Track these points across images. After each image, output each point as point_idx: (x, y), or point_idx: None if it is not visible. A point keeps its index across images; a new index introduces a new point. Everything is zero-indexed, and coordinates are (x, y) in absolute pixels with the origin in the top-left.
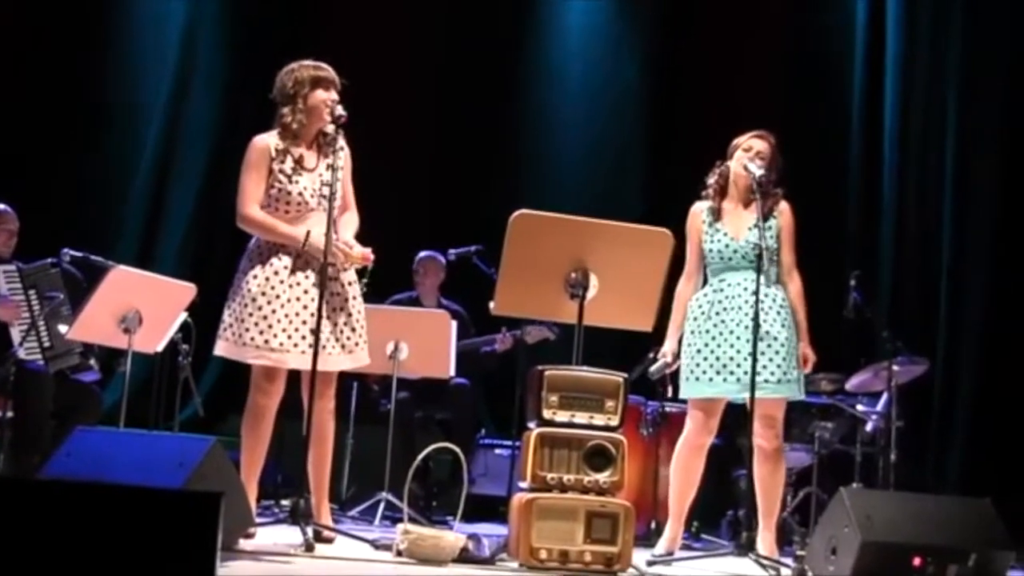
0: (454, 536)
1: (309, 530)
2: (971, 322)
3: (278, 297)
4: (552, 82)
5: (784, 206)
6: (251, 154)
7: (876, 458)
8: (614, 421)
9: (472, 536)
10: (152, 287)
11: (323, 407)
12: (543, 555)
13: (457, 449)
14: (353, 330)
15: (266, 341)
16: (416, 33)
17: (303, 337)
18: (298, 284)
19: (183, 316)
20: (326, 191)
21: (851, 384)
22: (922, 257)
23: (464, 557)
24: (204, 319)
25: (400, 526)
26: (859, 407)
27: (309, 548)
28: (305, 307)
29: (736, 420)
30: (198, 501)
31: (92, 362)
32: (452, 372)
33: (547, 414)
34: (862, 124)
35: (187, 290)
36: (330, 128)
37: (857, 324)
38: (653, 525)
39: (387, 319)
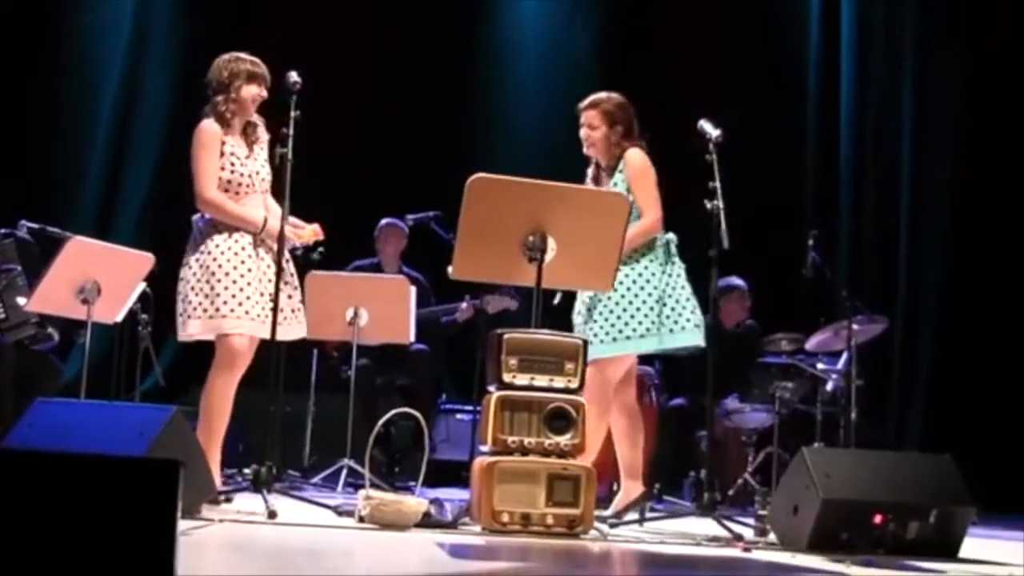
0: (416, 501)
1: (271, 498)
2: (930, 281)
3: (250, 271)
4: (507, 51)
5: (630, 155)
6: (204, 137)
7: (837, 417)
8: (574, 383)
9: (434, 501)
10: (110, 257)
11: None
12: (505, 518)
13: (418, 414)
14: (301, 302)
15: (246, 312)
16: (373, 3)
17: (263, 309)
18: (261, 259)
19: (142, 286)
20: (263, 175)
21: (811, 344)
22: (880, 216)
23: (426, 522)
24: (163, 289)
25: (362, 492)
26: (819, 366)
27: (272, 515)
28: (270, 280)
29: (697, 381)
30: (157, 469)
31: (50, 331)
32: (412, 338)
33: (507, 377)
34: (819, 83)
35: (145, 260)
36: (256, 118)
37: (816, 283)
38: (615, 487)
39: (346, 286)
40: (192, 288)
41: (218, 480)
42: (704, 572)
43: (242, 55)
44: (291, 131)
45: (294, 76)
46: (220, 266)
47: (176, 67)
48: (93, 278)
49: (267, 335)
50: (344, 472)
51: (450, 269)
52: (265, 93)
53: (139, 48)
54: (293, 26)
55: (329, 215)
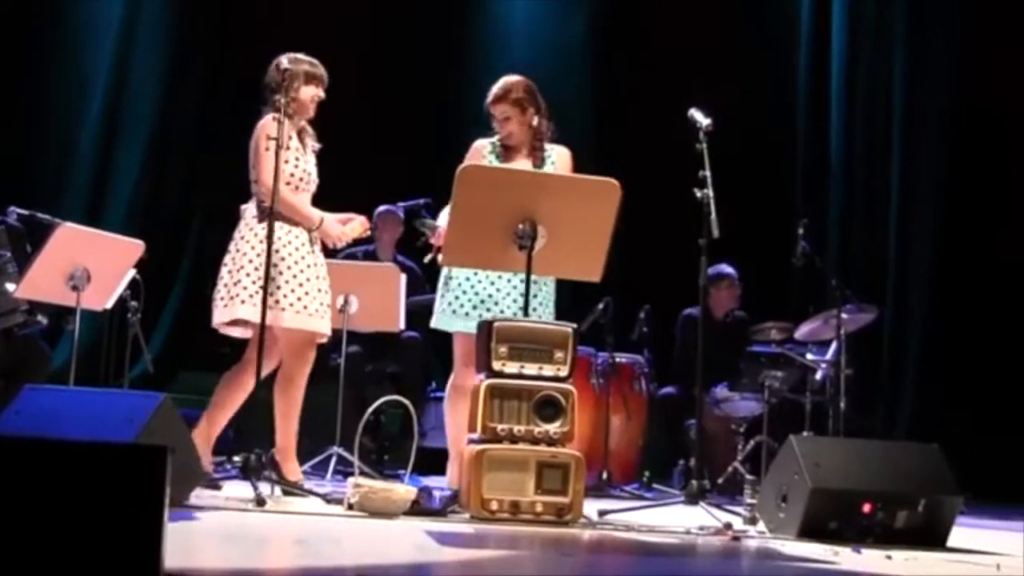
0: (405, 489)
1: (261, 485)
2: (919, 270)
3: (309, 267)
4: (498, 43)
5: (561, 153)
6: (271, 130)
7: (826, 406)
8: (563, 371)
9: (423, 488)
10: (100, 244)
11: (307, 369)
12: (494, 506)
13: (407, 402)
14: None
15: (305, 307)
16: None
17: (321, 304)
18: (317, 256)
19: (131, 273)
20: (315, 176)
21: (800, 333)
22: (870, 205)
23: (415, 509)
24: (152, 276)
25: (351, 480)
26: (808, 355)
27: (260, 503)
28: (321, 277)
29: (687, 370)
30: (145, 455)
31: (40, 317)
32: (402, 325)
33: (496, 365)
34: (809, 72)
35: (135, 247)
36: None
37: (806, 273)
38: (604, 475)
39: (337, 273)
40: (247, 274)
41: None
42: (693, 560)
43: (300, 56)
44: (282, 118)
45: (285, 63)
46: (283, 259)
47: (166, 54)
48: (83, 265)
49: (323, 329)
50: (333, 460)
51: (439, 257)
52: (323, 94)
53: (129, 35)
54: (283, 12)
55: (320, 206)
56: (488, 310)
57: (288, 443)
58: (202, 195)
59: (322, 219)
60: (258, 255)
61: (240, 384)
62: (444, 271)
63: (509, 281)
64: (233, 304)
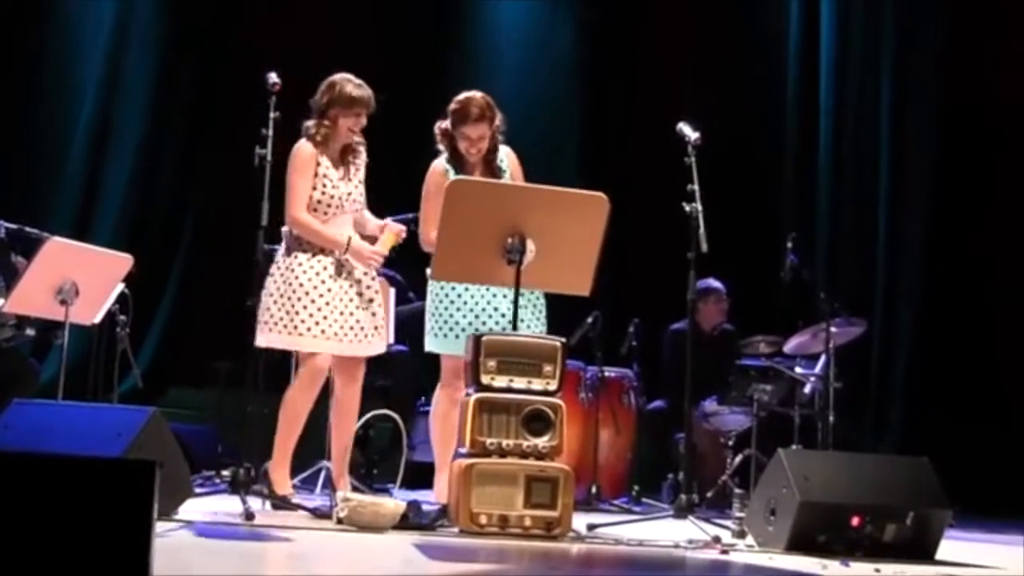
0: (394, 503)
1: (249, 499)
2: (908, 283)
3: (330, 291)
4: (488, 52)
5: (509, 152)
6: (297, 160)
7: (815, 420)
8: (552, 385)
9: (412, 503)
10: (88, 258)
11: (356, 388)
12: (483, 520)
13: (397, 416)
14: (380, 317)
15: (323, 331)
16: (353, 3)
17: (351, 328)
18: (344, 279)
19: (120, 287)
20: (355, 196)
21: (789, 346)
22: (859, 219)
23: (404, 524)
24: (141, 291)
25: (340, 494)
26: (797, 369)
27: (249, 517)
28: (357, 296)
29: (676, 384)
30: (133, 469)
31: (28, 331)
32: (392, 339)
33: (485, 379)
34: (798, 86)
35: (124, 261)
36: (358, 140)
37: (794, 286)
38: (593, 489)
39: None
40: (275, 301)
41: (288, 488)
42: (682, 574)
43: (349, 79)
44: (270, 132)
45: (273, 77)
46: (301, 284)
47: (157, 65)
48: (71, 279)
49: (348, 352)
50: (323, 474)
51: (428, 272)
52: (363, 121)
53: (119, 46)
54: (273, 23)
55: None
56: (482, 325)
57: (337, 465)
58: (191, 209)
59: (348, 241)
60: (277, 286)
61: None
62: (432, 289)
63: (506, 296)
64: (260, 332)
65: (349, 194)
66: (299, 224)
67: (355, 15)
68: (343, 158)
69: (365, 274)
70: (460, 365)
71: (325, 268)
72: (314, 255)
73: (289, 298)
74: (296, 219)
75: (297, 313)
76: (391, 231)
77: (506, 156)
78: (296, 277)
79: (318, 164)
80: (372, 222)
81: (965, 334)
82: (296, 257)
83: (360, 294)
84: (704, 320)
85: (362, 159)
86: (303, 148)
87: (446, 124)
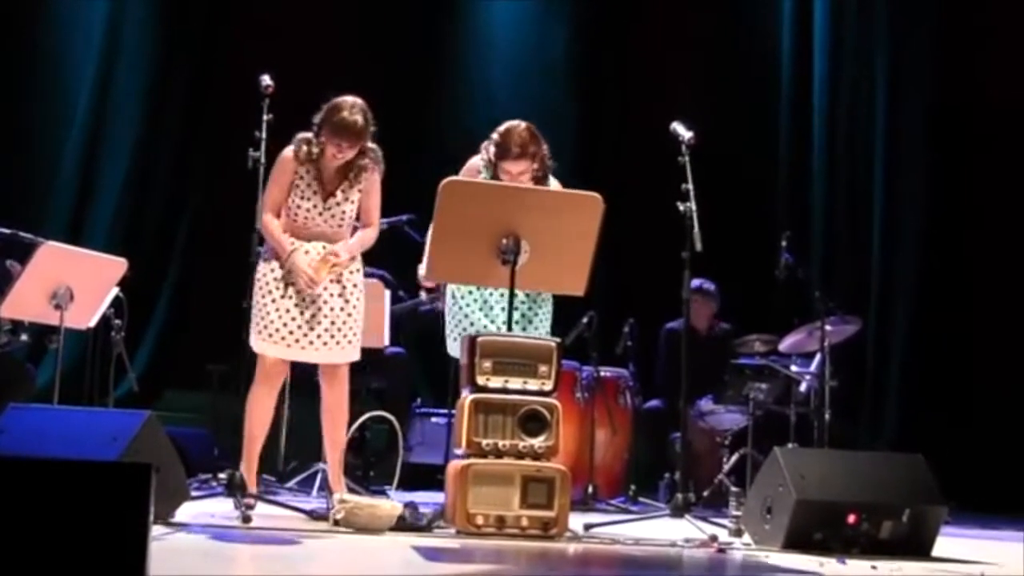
0: (390, 504)
1: (245, 502)
2: (903, 281)
3: (282, 297)
4: (481, 52)
5: (555, 184)
6: (276, 167)
7: (811, 418)
8: (548, 386)
9: (409, 504)
10: (83, 263)
11: (340, 391)
12: (480, 521)
13: (392, 418)
14: (350, 328)
15: (270, 335)
16: (345, 5)
17: (293, 332)
18: (293, 285)
19: (115, 291)
20: (336, 212)
21: (784, 345)
22: (853, 217)
23: (401, 525)
24: (135, 294)
25: (336, 496)
26: (793, 367)
27: (246, 520)
28: (295, 305)
29: (671, 383)
30: (129, 473)
31: (24, 337)
32: (387, 341)
33: (481, 380)
34: (791, 84)
35: (118, 265)
36: (368, 161)
37: (789, 285)
38: (590, 489)
39: None
40: (255, 302)
41: (253, 486)
42: (679, 573)
43: (350, 105)
44: (264, 135)
45: (266, 80)
46: (259, 288)
47: (150, 68)
48: (66, 284)
49: (295, 357)
50: (319, 476)
51: (422, 272)
52: (348, 154)
53: (112, 49)
54: (265, 26)
55: None
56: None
57: (332, 468)
58: (186, 212)
59: (291, 254)
60: (256, 287)
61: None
62: (450, 291)
63: (523, 302)
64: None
65: (328, 209)
66: (263, 226)
67: (349, 17)
68: (342, 174)
69: (336, 282)
70: None
71: (272, 270)
72: (268, 260)
73: (256, 300)
74: (262, 221)
75: (255, 313)
76: (324, 260)
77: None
78: (257, 280)
79: (296, 174)
80: (355, 241)
81: (960, 332)
82: (261, 263)
83: (314, 301)
84: (694, 319)
85: (367, 177)
86: (283, 157)
87: (491, 152)
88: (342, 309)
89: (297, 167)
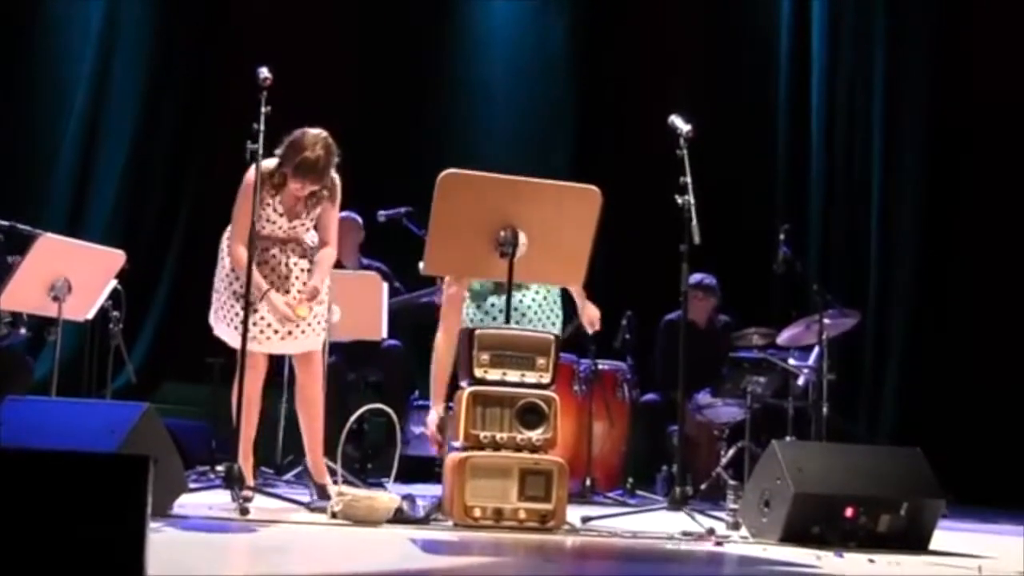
0: (388, 497)
1: (242, 494)
2: (901, 274)
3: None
4: (480, 45)
5: None
6: (241, 192)
7: (808, 411)
8: (546, 378)
9: (407, 497)
10: (81, 255)
11: (312, 380)
12: (477, 513)
13: (390, 410)
14: (316, 316)
15: (235, 328)
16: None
17: (268, 325)
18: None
19: (113, 283)
20: (298, 231)
21: (782, 338)
22: (851, 210)
23: (399, 518)
24: (134, 286)
25: (334, 488)
26: (791, 361)
27: (243, 512)
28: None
29: (669, 377)
30: (127, 465)
31: (22, 331)
32: (384, 334)
33: (479, 373)
34: (790, 76)
35: (116, 257)
36: (324, 192)
37: (787, 278)
38: (587, 482)
39: None
40: (218, 292)
41: (251, 480)
42: (676, 566)
43: (315, 141)
44: (262, 127)
45: (264, 72)
46: (228, 285)
47: (147, 62)
48: (64, 275)
49: (272, 351)
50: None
51: (421, 265)
52: (312, 189)
53: (109, 42)
54: (264, 20)
55: None
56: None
57: (311, 455)
58: (184, 204)
59: (266, 292)
60: (223, 278)
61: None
62: (469, 290)
63: (533, 299)
64: (217, 323)
65: (292, 228)
66: (234, 257)
67: (348, 13)
68: (303, 201)
69: (297, 278)
70: None
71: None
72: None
73: (217, 289)
74: (233, 252)
75: (221, 304)
76: (305, 304)
77: None
78: (225, 276)
79: (261, 190)
80: (313, 278)
81: (958, 325)
82: (225, 259)
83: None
84: (692, 314)
85: (324, 205)
86: (247, 183)
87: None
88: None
89: (263, 194)
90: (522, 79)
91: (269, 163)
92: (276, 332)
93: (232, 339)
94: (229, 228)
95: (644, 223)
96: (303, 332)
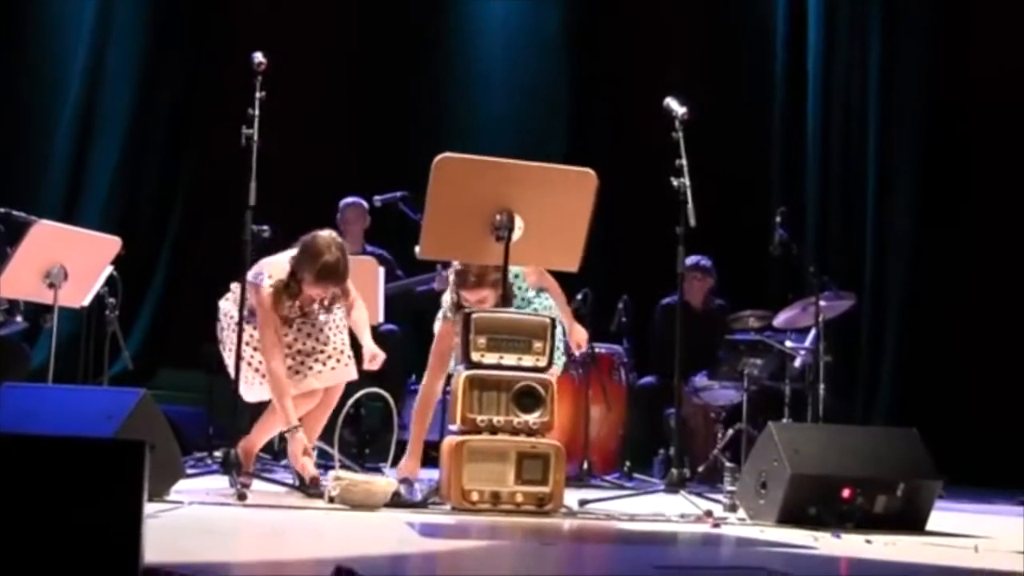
0: (385, 481)
1: (240, 480)
2: (897, 256)
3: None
4: (475, 28)
5: (516, 271)
6: (261, 310)
7: (805, 393)
8: (542, 362)
9: (404, 480)
10: (76, 241)
11: (333, 397)
12: (475, 497)
13: (387, 395)
14: (336, 349)
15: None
16: None
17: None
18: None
19: (109, 270)
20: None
21: (779, 320)
22: (847, 192)
23: (396, 502)
24: (130, 273)
25: (331, 473)
26: (787, 343)
27: (241, 497)
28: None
29: (666, 359)
30: (124, 450)
31: (19, 319)
32: (381, 319)
33: (475, 356)
34: (786, 60)
35: (112, 243)
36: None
37: (784, 260)
38: (585, 465)
39: None
40: (227, 345)
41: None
42: (674, 548)
43: (324, 246)
44: (257, 112)
45: (259, 57)
46: (232, 331)
47: (142, 50)
48: (59, 262)
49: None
50: (314, 453)
51: (417, 249)
52: (335, 291)
53: (104, 31)
54: (260, 6)
55: (296, 196)
56: None
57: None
58: (179, 190)
59: (294, 429)
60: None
61: None
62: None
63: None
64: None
65: (314, 324)
66: (273, 375)
67: (341, 5)
68: (319, 301)
69: (322, 331)
70: None
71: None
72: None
73: (225, 342)
74: (271, 370)
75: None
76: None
77: (519, 274)
78: (228, 323)
79: (277, 305)
80: (365, 338)
81: (954, 305)
82: (228, 302)
83: (313, 327)
84: (688, 295)
85: (341, 302)
86: (265, 302)
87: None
88: (336, 325)
89: (278, 311)
90: (519, 65)
91: (276, 267)
92: (311, 368)
93: (267, 391)
94: (230, 293)
95: (640, 206)
96: (335, 364)
